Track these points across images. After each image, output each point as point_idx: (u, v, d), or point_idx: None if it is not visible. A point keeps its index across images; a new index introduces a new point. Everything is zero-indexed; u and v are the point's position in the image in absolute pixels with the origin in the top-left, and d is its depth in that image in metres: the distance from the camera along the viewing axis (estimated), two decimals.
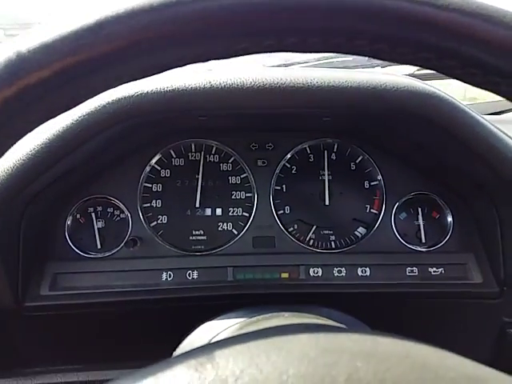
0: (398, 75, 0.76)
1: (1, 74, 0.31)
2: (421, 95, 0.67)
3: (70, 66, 0.31)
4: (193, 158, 0.93)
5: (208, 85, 0.64)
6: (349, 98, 0.68)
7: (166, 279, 0.84)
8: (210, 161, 0.93)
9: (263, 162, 0.93)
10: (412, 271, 0.86)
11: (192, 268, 0.85)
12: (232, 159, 0.93)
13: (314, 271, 0.85)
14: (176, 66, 0.33)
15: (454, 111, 0.68)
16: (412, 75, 1.09)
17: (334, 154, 0.93)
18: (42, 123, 0.34)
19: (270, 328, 0.41)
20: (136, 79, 0.34)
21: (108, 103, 0.63)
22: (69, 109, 0.34)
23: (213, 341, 0.52)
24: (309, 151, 0.94)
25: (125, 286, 0.82)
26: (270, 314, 0.54)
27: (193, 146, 0.93)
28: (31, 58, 0.31)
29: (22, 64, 0.30)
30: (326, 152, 0.93)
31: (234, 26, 0.31)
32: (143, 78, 0.35)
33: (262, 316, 0.54)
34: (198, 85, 0.64)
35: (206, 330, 0.57)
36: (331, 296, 0.83)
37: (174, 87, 0.63)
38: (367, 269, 0.85)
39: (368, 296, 0.84)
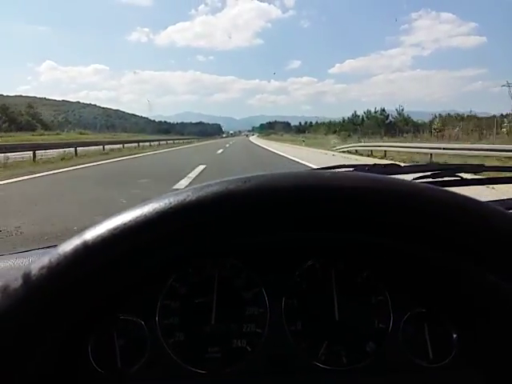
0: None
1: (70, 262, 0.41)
2: None
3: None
4: (208, 275, 0.99)
5: None
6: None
7: None
8: (224, 276, 0.99)
9: (275, 277, 0.99)
10: None
11: None
12: (245, 274, 0.99)
13: None
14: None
15: None
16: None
17: (341, 269, 0.99)
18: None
19: None
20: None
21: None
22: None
23: None
24: (317, 266, 1.00)
25: None
26: None
27: (208, 263, 0.99)
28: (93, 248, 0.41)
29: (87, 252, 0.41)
30: (333, 267, 0.99)
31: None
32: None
33: None
34: None
35: None
36: None
37: None
38: None
39: None
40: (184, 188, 0.47)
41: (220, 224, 0.44)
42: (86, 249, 0.40)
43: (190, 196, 0.43)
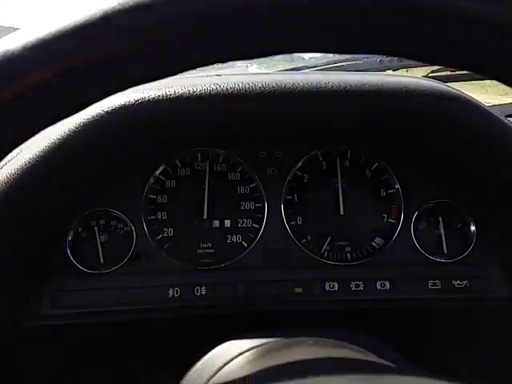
0: (416, 77, 0.72)
1: None
2: (445, 98, 0.62)
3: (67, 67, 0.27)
4: (199, 168, 0.89)
5: (215, 89, 0.59)
6: (367, 103, 0.63)
7: (173, 296, 0.80)
8: (216, 170, 0.89)
9: (273, 171, 0.88)
10: (434, 284, 0.80)
11: (200, 283, 0.80)
12: (240, 168, 0.89)
13: (329, 285, 0.80)
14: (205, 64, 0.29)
15: (480, 114, 0.64)
16: (426, 77, 1.04)
17: (347, 161, 0.89)
18: (35, 131, 0.30)
19: (294, 365, 0.36)
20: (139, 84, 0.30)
21: (107, 113, 0.58)
22: (61, 118, 0.30)
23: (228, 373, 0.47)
24: (321, 158, 0.89)
25: (129, 304, 0.78)
26: (290, 340, 0.49)
27: (199, 156, 0.89)
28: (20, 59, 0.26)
29: (11, 65, 0.26)
30: (338, 159, 0.88)
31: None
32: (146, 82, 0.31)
33: (281, 342, 0.49)
34: (204, 90, 0.59)
35: (217, 356, 0.52)
36: (348, 313, 0.78)
37: (178, 93, 0.59)
38: (386, 282, 0.80)
39: (388, 312, 0.78)
40: None
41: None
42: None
43: None
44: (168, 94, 0.58)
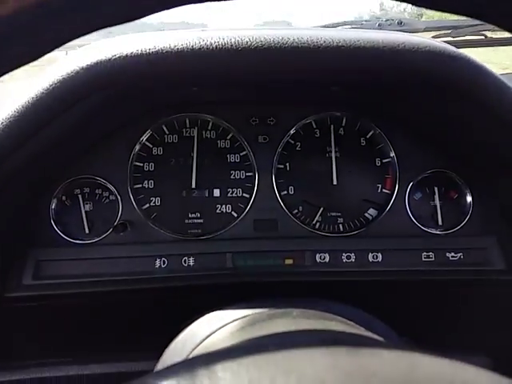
0: (416, 35, 0.67)
1: None
2: (444, 55, 0.58)
3: None
4: (187, 135, 0.85)
5: (198, 43, 0.54)
6: (362, 59, 0.58)
7: (160, 266, 0.77)
8: (205, 137, 0.85)
9: (264, 138, 0.85)
10: (428, 256, 0.78)
11: (188, 254, 0.78)
12: (230, 135, 0.85)
13: (320, 257, 0.78)
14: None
15: (480, 74, 0.60)
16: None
17: (342, 129, 0.85)
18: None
19: (276, 337, 0.34)
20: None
21: (82, 68, 0.54)
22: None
23: (208, 344, 0.45)
24: (314, 126, 0.85)
25: (115, 275, 0.76)
26: (275, 312, 0.46)
27: (187, 121, 0.85)
28: None
29: None
30: (333, 126, 0.85)
31: None
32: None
33: (266, 314, 0.47)
34: (186, 44, 0.55)
35: (201, 326, 0.50)
36: (339, 284, 0.76)
37: (158, 48, 0.54)
38: (379, 254, 0.78)
39: (380, 284, 0.77)
40: None
41: None
42: None
43: None
44: (146, 49, 0.54)
